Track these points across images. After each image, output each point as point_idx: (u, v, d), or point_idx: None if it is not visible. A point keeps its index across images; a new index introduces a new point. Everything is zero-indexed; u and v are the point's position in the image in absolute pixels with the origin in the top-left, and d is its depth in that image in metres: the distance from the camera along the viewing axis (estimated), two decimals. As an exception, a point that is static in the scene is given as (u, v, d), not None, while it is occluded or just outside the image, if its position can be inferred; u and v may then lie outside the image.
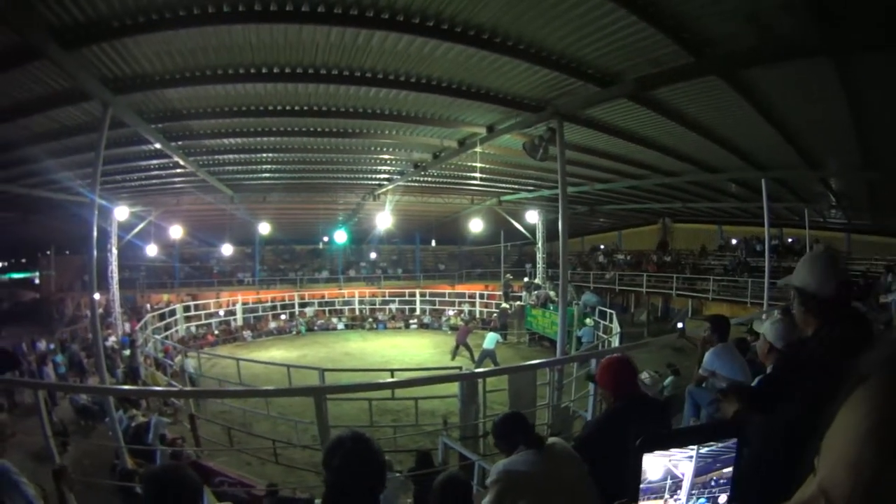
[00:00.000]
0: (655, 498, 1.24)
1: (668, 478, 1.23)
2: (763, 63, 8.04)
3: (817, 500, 0.72)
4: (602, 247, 40.15)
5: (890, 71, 7.84)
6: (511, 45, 8.38)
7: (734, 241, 31.88)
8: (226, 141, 14.56)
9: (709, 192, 22.37)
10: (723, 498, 1.30)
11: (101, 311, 21.99)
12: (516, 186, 23.75)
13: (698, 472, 1.25)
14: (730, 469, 1.28)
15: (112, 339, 23.36)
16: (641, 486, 1.26)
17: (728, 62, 8.22)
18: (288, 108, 11.81)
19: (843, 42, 6.93)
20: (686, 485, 1.25)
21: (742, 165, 15.07)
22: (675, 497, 1.26)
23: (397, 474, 8.40)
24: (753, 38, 7.30)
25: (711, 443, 1.25)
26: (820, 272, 2.78)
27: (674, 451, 1.21)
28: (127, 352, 21.83)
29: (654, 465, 1.21)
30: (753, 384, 4.68)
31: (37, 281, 37.96)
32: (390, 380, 12.65)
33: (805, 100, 9.77)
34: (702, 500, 1.28)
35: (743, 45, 7.53)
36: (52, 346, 21.85)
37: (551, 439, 3.66)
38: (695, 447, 1.23)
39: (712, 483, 1.27)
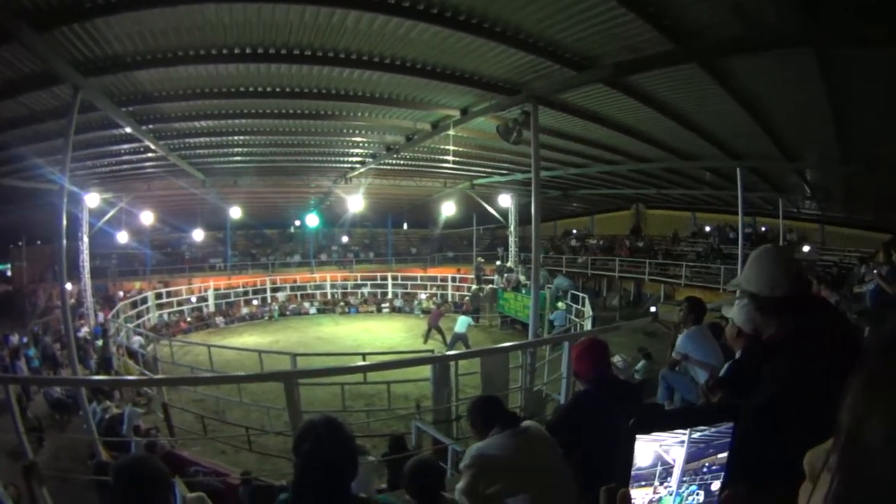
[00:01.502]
0: (645, 485, 1.19)
1: (659, 464, 1.18)
2: (746, 52, 8.04)
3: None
4: (575, 231, 40.33)
5: (872, 65, 7.88)
6: (487, 27, 8.31)
7: (707, 228, 32.22)
8: (197, 124, 14.37)
9: (683, 180, 22.52)
10: (715, 485, 1.25)
11: (72, 301, 21.66)
12: (489, 170, 23.78)
13: (690, 458, 1.19)
14: (722, 455, 1.23)
15: (84, 329, 23.03)
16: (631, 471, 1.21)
17: (710, 50, 8.21)
18: (260, 89, 11.64)
19: (826, 34, 6.94)
20: (677, 471, 1.19)
21: (718, 154, 15.16)
22: (666, 484, 1.20)
23: (370, 459, 8.38)
24: (738, 28, 7.29)
25: (703, 427, 1.20)
26: (770, 273, 2.70)
27: (665, 435, 1.16)
28: (100, 342, 21.55)
29: (644, 450, 1.16)
30: (724, 368, 4.71)
31: (9, 273, 37.16)
32: (362, 363, 12.63)
33: (784, 91, 9.83)
34: (693, 487, 1.23)
35: (726, 33, 7.52)
36: (24, 340, 21.34)
37: (526, 423, 3.65)
38: (686, 431, 1.17)
39: (704, 469, 1.22)
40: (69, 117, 10.19)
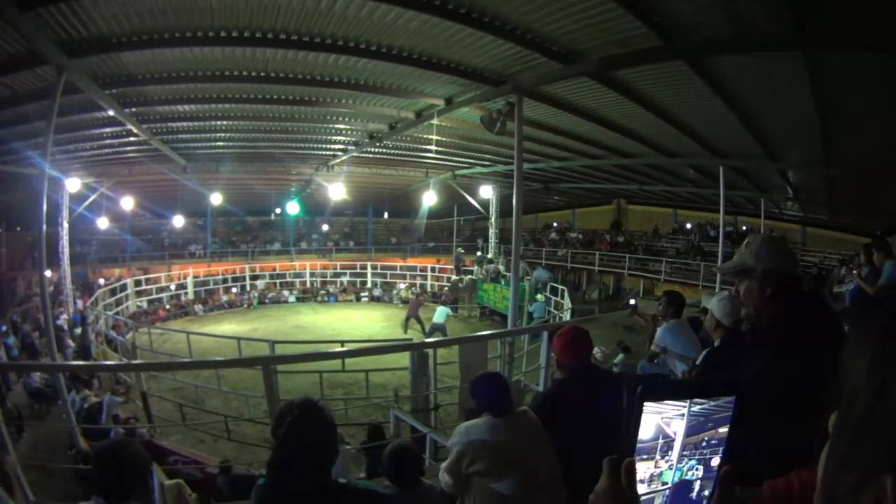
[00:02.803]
0: (647, 458, 1.19)
1: (660, 437, 1.18)
2: (734, 53, 8.09)
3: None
4: (555, 224, 40.39)
5: (861, 71, 7.95)
6: (476, 16, 8.26)
7: (688, 226, 32.46)
8: (180, 107, 14.18)
9: (665, 176, 22.62)
10: (715, 461, 1.25)
11: (51, 289, 21.38)
12: (472, 161, 23.70)
13: (690, 432, 1.19)
14: (722, 429, 1.23)
15: (63, 317, 22.76)
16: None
17: (698, 49, 8.25)
18: (244, 73, 11.51)
19: (816, 39, 6.98)
20: (677, 445, 1.20)
21: (701, 152, 15.24)
22: (667, 458, 1.20)
23: (349, 447, 8.39)
24: (727, 28, 7.33)
25: (702, 400, 1.20)
26: (783, 251, 2.82)
27: (666, 407, 1.16)
28: (78, 330, 21.31)
29: (646, 422, 1.16)
30: (700, 357, 4.79)
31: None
32: (340, 349, 12.61)
33: (771, 91, 9.89)
34: (692, 461, 1.23)
35: (716, 32, 7.56)
36: (3, 328, 21.06)
37: (521, 408, 3.67)
38: (686, 404, 1.17)
39: (703, 444, 1.22)
40: (52, 99, 9.97)
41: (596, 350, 9.10)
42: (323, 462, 2.57)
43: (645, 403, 1.14)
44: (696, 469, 1.24)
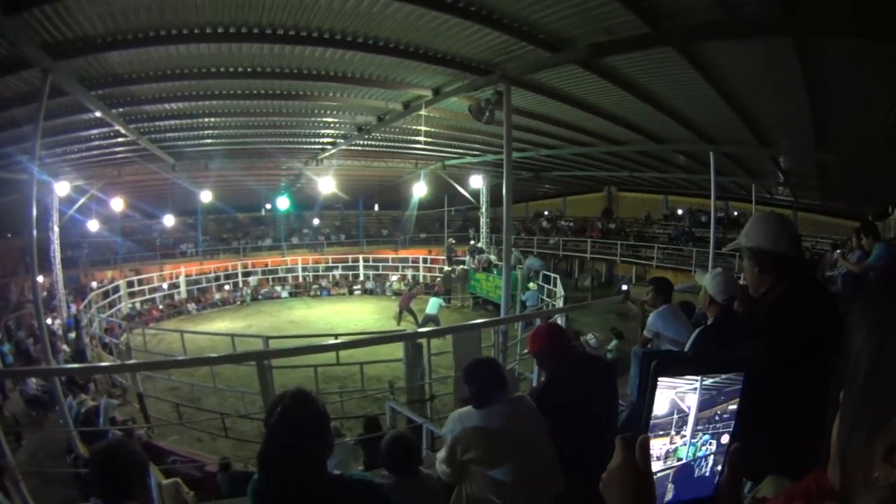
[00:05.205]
0: (663, 434, 1.18)
1: (675, 412, 1.17)
2: (723, 38, 8.07)
3: None
4: (546, 212, 40.43)
5: (851, 57, 7.95)
6: (462, 6, 8.21)
7: (679, 212, 32.48)
8: (167, 106, 14.07)
9: (656, 163, 22.56)
10: (725, 438, 1.25)
11: (44, 294, 21.26)
12: (461, 151, 23.68)
13: (702, 406, 1.19)
14: (733, 404, 1.23)
15: (56, 322, 22.66)
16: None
17: (687, 34, 8.22)
18: (231, 69, 11.41)
19: (808, 25, 6.98)
20: (691, 419, 1.19)
21: (691, 138, 15.20)
22: (681, 433, 1.20)
23: (347, 440, 8.40)
24: (716, 13, 7.31)
25: (714, 374, 1.20)
26: (772, 230, 2.83)
27: (680, 381, 1.16)
28: (72, 334, 21.22)
29: (661, 398, 1.15)
30: (692, 337, 4.82)
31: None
32: (333, 342, 12.61)
33: (761, 77, 9.87)
34: (706, 436, 1.23)
35: (704, 18, 7.54)
36: (-3, 336, 20.97)
37: (517, 394, 3.67)
38: (699, 378, 1.17)
39: (716, 418, 1.22)
40: (38, 102, 9.87)
41: (590, 336, 9.15)
42: (315, 453, 2.54)
43: (659, 379, 1.14)
44: (710, 444, 1.24)
